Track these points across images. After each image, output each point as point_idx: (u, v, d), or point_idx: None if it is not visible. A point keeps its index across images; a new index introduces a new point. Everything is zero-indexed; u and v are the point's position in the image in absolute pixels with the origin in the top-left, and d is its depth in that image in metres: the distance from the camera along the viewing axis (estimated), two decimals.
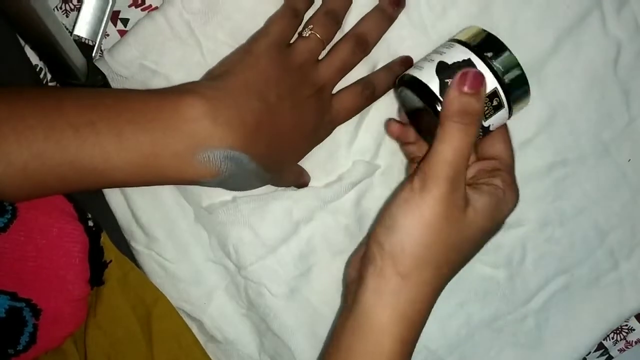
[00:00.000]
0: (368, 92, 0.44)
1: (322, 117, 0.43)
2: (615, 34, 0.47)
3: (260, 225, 0.47)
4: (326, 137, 0.45)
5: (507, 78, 0.37)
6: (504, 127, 0.41)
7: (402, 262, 0.37)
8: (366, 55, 0.44)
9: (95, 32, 0.45)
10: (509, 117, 0.40)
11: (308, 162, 0.47)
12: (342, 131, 0.47)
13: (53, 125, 0.35)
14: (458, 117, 0.35)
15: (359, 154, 0.47)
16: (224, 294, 0.49)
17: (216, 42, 0.45)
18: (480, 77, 0.35)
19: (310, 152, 0.46)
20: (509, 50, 0.37)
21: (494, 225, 0.40)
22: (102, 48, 0.46)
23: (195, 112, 0.37)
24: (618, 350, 0.55)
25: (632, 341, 0.54)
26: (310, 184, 0.47)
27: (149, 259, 0.48)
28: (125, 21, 0.46)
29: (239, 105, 0.38)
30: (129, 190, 0.47)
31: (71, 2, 0.45)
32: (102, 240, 0.44)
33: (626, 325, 0.54)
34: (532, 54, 0.47)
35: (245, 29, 0.43)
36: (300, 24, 0.43)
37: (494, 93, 0.36)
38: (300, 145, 0.44)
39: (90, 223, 0.42)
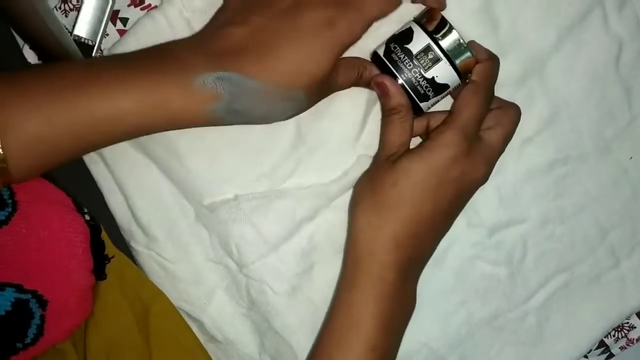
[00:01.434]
0: None
1: (329, 11, 0.40)
2: (617, 32, 0.47)
3: (263, 223, 0.47)
4: (356, 33, 0.41)
5: (440, 35, 0.42)
6: (471, 86, 0.43)
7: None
8: None
9: (95, 32, 0.45)
10: (456, 70, 0.42)
11: (313, 160, 0.47)
12: (347, 125, 0.47)
13: (58, 87, 0.36)
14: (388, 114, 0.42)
15: (364, 148, 0.47)
16: (224, 294, 0.49)
17: None
18: (384, 83, 0.42)
19: (314, 149, 0.46)
20: (445, 18, 0.42)
21: (442, 184, 0.41)
22: (102, 48, 0.46)
23: (179, 47, 0.40)
24: (619, 348, 0.55)
25: (634, 339, 0.54)
26: (315, 181, 0.47)
27: (149, 259, 0.48)
28: (124, 21, 0.46)
29: (217, 28, 0.40)
30: (129, 190, 0.47)
31: (71, 2, 0.45)
32: (102, 235, 0.44)
33: (627, 323, 0.54)
34: (533, 52, 0.47)
35: None
36: None
37: (428, 48, 0.41)
38: (309, 49, 0.40)
39: (87, 217, 0.43)
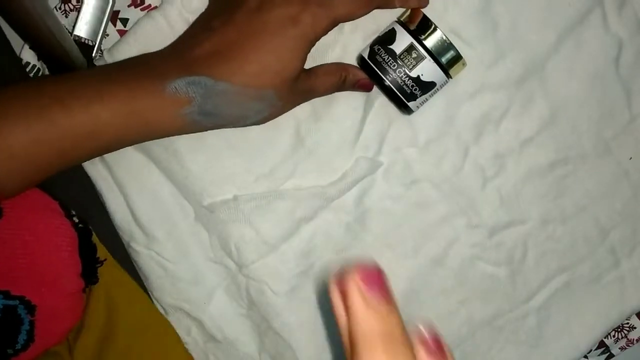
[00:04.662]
0: None
1: (294, 8, 0.40)
2: (617, 32, 0.47)
3: (262, 223, 0.47)
4: (322, 29, 0.40)
5: (423, 34, 0.42)
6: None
7: None
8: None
9: (95, 32, 0.45)
10: (441, 67, 0.42)
11: (312, 161, 0.47)
12: (346, 127, 0.47)
13: (39, 105, 0.36)
14: None
15: (362, 150, 0.47)
16: (224, 294, 0.49)
17: None
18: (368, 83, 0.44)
19: (313, 151, 0.46)
20: (427, 17, 0.43)
21: None
22: (102, 48, 0.46)
23: (154, 57, 0.41)
24: (619, 348, 0.55)
25: (634, 339, 0.54)
26: (314, 183, 0.47)
27: (149, 259, 0.48)
28: (124, 21, 0.46)
29: (190, 36, 0.42)
30: (129, 190, 0.47)
31: (71, 2, 0.45)
32: (93, 238, 0.44)
33: (627, 323, 0.54)
34: (533, 53, 0.47)
35: None
36: None
37: (411, 47, 0.42)
38: (277, 47, 0.39)
39: (76, 219, 0.43)
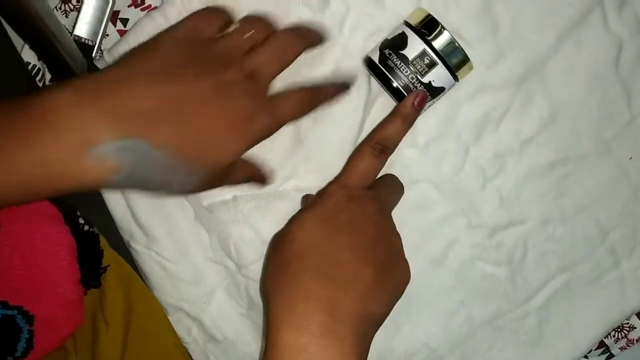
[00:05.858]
0: (313, 100, 0.43)
1: (254, 105, 0.39)
2: (617, 32, 0.47)
3: (262, 224, 0.47)
4: (269, 132, 0.41)
5: (434, 39, 0.42)
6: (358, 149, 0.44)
7: None
8: (305, 47, 0.42)
9: (95, 32, 0.45)
10: (451, 72, 0.43)
11: (311, 163, 0.47)
12: (345, 129, 0.46)
13: None
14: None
15: None
16: (224, 294, 0.49)
17: None
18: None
19: (313, 152, 0.46)
20: (436, 19, 0.42)
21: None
22: (102, 48, 0.46)
23: (69, 100, 0.33)
24: (619, 348, 0.55)
25: (634, 339, 0.54)
26: (313, 184, 0.47)
27: (149, 259, 0.48)
28: (125, 21, 0.46)
29: (129, 91, 0.35)
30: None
31: (71, 2, 0.45)
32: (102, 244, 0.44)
33: (627, 323, 0.54)
34: (533, 53, 0.47)
35: None
36: (222, 24, 0.41)
37: (424, 53, 0.42)
38: (228, 134, 0.38)
39: (81, 221, 0.42)
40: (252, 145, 0.39)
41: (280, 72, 0.41)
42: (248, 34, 0.40)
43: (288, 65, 0.41)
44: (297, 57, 0.41)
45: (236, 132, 0.38)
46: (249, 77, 0.39)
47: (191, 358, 0.50)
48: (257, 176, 0.45)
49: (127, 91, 0.35)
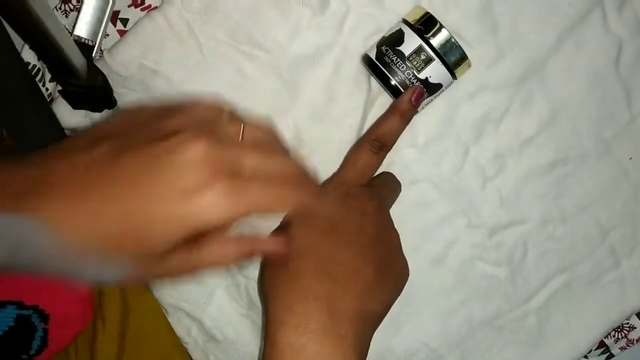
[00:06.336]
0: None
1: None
2: (617, 32, 0.47)
3: (261, 224, 0.47)
4: (215, 222, 0.30)
5: (432, 36, 0.42)
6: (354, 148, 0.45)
7: None
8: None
9: (95, 32, 0.45)
10: (448, 69, 0.43)
11: (311, 162, 0.46)
12: (345, 128, 0.47)
13: None
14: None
15: None
16: (224, 294, 0.49)
17: (216, 41, 0.45)
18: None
19: (313, 152, 0.46)
20: (434, 17, 0.42)
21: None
22: (102, 48, 0.46)
23: None
24: (619, 348, 0.54)
25: (634, 339, 0.54)
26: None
27: None
28: (125, 21, 0.46)
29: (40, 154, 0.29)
30: None
31: (71, 2, 0.45)
32: None
33: (627, 323, 0.54)
34: (533, 52, 0.47)
35: (245, 28, 0.43)
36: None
37: (420, 48, 0.42)
38: (162, 202, 0.28)
39: None
40: (201, 230, 0.30)
41: None
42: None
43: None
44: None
45: (175, 212, 0.28)
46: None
47: (190, 358, 0.50)
48: (259, 250, 0.37)
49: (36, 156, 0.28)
